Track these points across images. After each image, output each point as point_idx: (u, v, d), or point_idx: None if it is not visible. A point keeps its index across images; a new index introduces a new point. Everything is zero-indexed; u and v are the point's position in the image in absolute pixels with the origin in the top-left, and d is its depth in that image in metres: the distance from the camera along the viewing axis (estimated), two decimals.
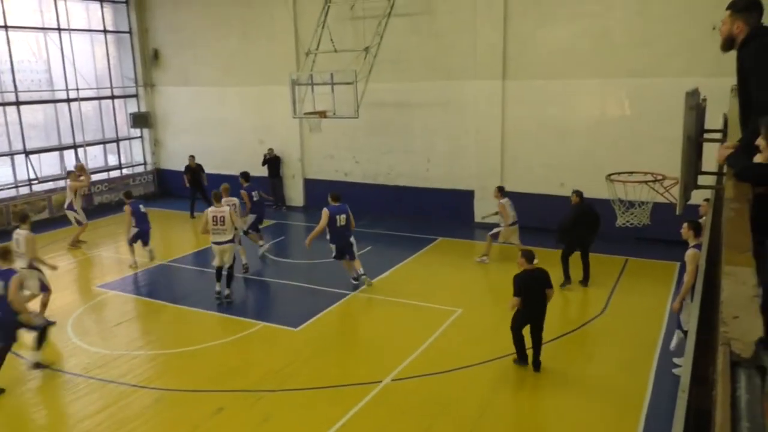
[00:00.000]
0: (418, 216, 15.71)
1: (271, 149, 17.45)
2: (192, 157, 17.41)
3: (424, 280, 11.85)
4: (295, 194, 17.93)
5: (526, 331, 8.03)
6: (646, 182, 9.47)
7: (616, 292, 10.70)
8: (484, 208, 15.14)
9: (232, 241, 10.61)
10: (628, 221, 9.70)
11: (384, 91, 15.31)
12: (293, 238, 15.55)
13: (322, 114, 14.52)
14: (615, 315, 9.79)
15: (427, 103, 15.50)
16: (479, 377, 7.95)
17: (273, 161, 17.46)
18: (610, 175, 9.53)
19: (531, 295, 7.83)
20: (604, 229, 10.76)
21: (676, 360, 7.83)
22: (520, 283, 7.79)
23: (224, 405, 7.43)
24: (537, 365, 8.05)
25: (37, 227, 16.27)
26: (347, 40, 15.32)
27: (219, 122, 18.97)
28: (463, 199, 15.43)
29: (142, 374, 8.38)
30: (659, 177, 9.14)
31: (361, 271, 11.15)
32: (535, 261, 8.07)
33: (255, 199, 13.10)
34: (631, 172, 9.68)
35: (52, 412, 7.61)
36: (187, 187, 17.30)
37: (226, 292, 10.69)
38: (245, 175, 13.57)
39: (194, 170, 17.29)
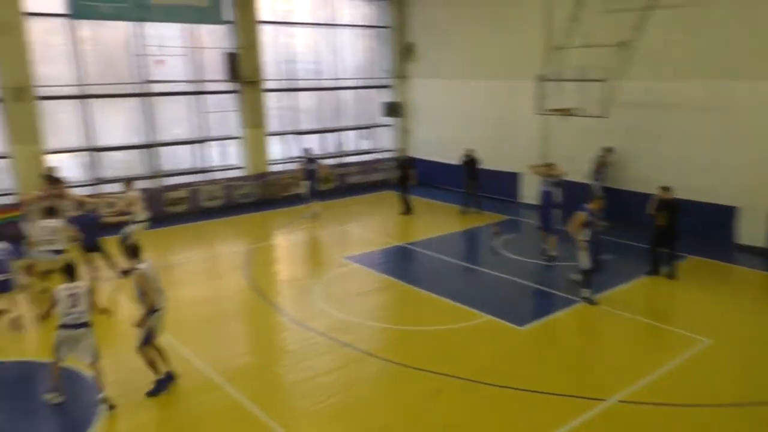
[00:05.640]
0: None
1: (470, 150, 17.03)
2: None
3: (665, 300, 10.81)
4: (531, 192, 17.56)
5: None
6: None
7: None
8: (750, 227, 13.23)
9: None
10: None
11: (635, 90, 14.15)
12: (527, 235, 15.20)
13: (567, 112, 13.95)
14: None
15: (686, 104, 13.96)
16: (722, 420, 7.02)
17: (470, 163, 17.15)
18: None
19: None
20: None
21: None
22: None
23: (443, 388, 7.66)
24: None
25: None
26: (599, 35, 14.38)
27: (463, 114, 19.47)
28: (723, 215, 13.63)
29: (373, 343, 9.08)
30: None
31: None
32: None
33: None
34: None
35: (298, 366, 8.59)
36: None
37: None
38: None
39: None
